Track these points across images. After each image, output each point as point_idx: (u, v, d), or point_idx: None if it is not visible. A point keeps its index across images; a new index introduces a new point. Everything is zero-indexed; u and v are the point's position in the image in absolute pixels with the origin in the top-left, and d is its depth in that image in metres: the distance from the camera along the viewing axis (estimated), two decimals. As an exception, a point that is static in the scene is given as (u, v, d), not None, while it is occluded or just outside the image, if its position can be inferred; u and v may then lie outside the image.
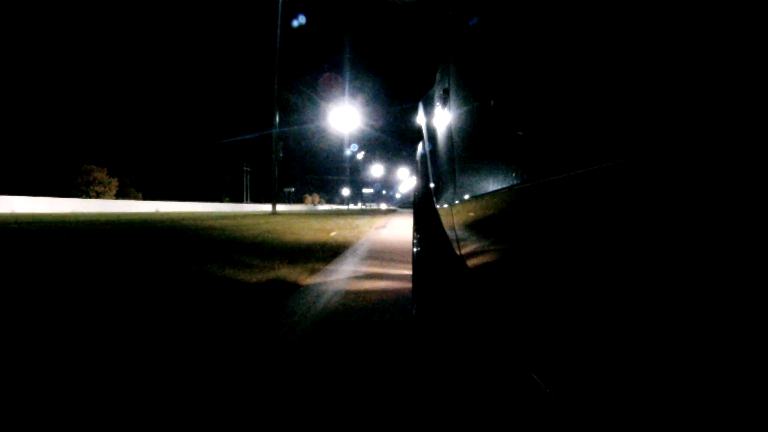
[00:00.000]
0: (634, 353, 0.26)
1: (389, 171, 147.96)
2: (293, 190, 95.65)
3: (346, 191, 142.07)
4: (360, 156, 74.28)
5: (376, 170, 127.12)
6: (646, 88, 0.24)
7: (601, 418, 0.32)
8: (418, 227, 1.52)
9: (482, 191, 0.61)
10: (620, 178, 0.26)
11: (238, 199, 75.45)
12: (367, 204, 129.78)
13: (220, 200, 69.77)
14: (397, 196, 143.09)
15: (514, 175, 0.47)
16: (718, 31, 0.19)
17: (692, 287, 0.21)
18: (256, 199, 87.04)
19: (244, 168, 74.23)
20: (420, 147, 1.54)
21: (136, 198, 45.41)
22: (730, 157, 0.18)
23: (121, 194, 43.65)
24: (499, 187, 0.52)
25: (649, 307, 0.24)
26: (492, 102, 0.56)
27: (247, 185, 74.80)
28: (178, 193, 61.83)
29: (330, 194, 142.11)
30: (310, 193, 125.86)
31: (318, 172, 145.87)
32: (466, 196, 0.73)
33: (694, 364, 0.22)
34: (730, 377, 0.20)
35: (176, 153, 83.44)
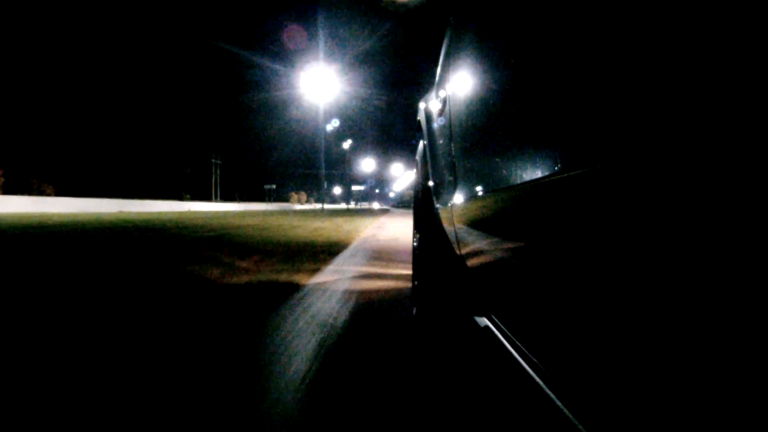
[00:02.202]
0: (646, 352, 0.26)
1: (383, 166, 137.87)
2: (274, 186, 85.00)
3: (337, 189, 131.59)
4: (347, 145, 64.00)
5: (368, 165, 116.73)
6: (650, 87, 0.23)
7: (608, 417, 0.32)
8: (418, 227, 1.56)
9: (482, 191, 0.62)
10: (623, 178, 0.26)
11: (204, 197, 64.91)
12: (359, 203, 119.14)
13: (180, 198, 59.24)
14: (391, 195, 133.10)
15: (513, 175, 0.47)
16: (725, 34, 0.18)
17: (699, 291, 0.21)
18: (228, 197, 76.47)
19: (213, 160, 63.75)
20: (420, 146, 1.55)
21: (42, 194, 34.80)
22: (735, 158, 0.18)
23: (17, 188, 33.02)
24: (499, 187, 0.53)
25: (656, 303, 0.24)
26: (491, 101, 0.56)
27: (216, 180, 64.38)
28: (115, 189, 50.97)
29: (320, 192, 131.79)
30: (297, 191, 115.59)
31: (305, 167, 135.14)
32: (466, 196, 0.73)
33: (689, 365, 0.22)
34: (699, 359, 0.21)
35: (112, 139, 70.97)
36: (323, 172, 33.62)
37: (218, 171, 64.43)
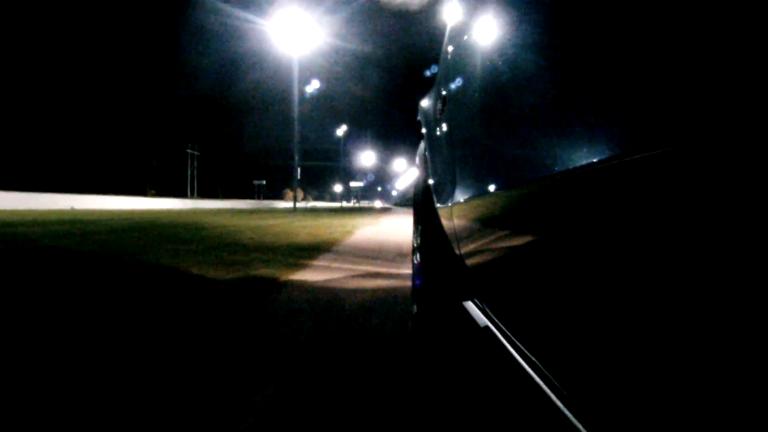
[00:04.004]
0: (645, 352, 0.26)
1: (385, 162, 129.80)
2: (263, 182, 77.49)
3: (338, 187, 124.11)
4: (341, 131, 56.23)
5: (368, 159, 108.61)
6: (647, 86, 0.23)
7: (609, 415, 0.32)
8: (418, 226, 1.62)
9: (481, 191, 0.62)
10: (623, 178, 0.26)
11: (178, 192, 57.82)
12: (359, 201, 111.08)
13: (144, 193, 52.14)
14: (394, 193, 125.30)
15: (513, 175, 0.47)
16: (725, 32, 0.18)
17: (699, 290, 0.21)
18: (209, 193, 69.22)
19: (189, 151, 56.46)
20: (421, 146, 1.57)
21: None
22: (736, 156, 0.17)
23: None
24: (499, 187, 0.53)
25: (657, 303, 0.24)
26: (491, 101, 0.57)
27: (193, 174, 57.08)
28: (61, 182, 43.40)
29: (320, 189, 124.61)
30: (293, 188, 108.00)
31: (305, 161, 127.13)
32: (466, 196, 0.74)
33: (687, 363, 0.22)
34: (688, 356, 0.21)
35: (59, 123, 61.61)
36: (296, 162, 25.97)
37: (195, 163, 57.15)
